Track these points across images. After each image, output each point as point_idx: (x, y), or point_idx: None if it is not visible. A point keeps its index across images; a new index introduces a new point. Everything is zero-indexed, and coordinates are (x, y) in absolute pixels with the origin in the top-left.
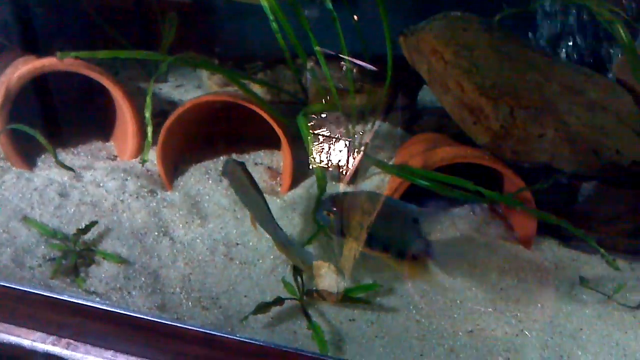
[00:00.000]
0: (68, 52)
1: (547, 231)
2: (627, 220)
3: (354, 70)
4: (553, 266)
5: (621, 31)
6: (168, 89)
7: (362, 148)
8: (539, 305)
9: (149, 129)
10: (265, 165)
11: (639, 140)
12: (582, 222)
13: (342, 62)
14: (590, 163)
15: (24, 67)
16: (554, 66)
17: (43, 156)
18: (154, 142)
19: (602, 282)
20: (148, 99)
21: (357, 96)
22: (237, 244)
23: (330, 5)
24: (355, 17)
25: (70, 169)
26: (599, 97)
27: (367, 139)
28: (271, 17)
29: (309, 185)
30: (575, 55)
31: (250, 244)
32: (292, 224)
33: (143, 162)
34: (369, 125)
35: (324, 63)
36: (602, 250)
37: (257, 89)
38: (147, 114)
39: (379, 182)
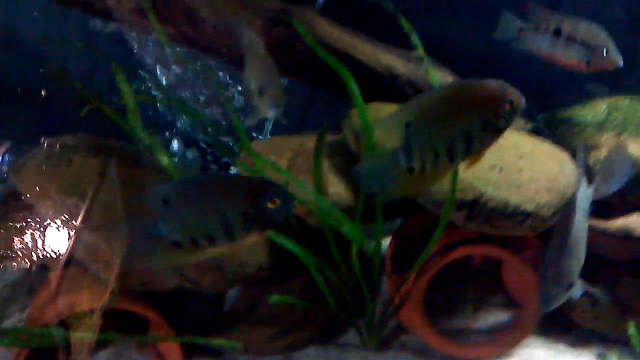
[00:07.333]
0: None
1: (198, 351)
2: (271, 321)
3: None
4: None
5: None
6: None
7: None
8: None
9: None
10: None
11: (261, 248)
12: (230, 330)
13: None
14: (217, 278)
15: None
16: None
17: None
18: None
19: None
20: None
21: None
22: None
23: None
24: None
25: None
26: None
27: None
28: None
29: None
30: None
31: None
32: None
33: None
34: None
35: None
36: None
37: None
38: None
39: None
